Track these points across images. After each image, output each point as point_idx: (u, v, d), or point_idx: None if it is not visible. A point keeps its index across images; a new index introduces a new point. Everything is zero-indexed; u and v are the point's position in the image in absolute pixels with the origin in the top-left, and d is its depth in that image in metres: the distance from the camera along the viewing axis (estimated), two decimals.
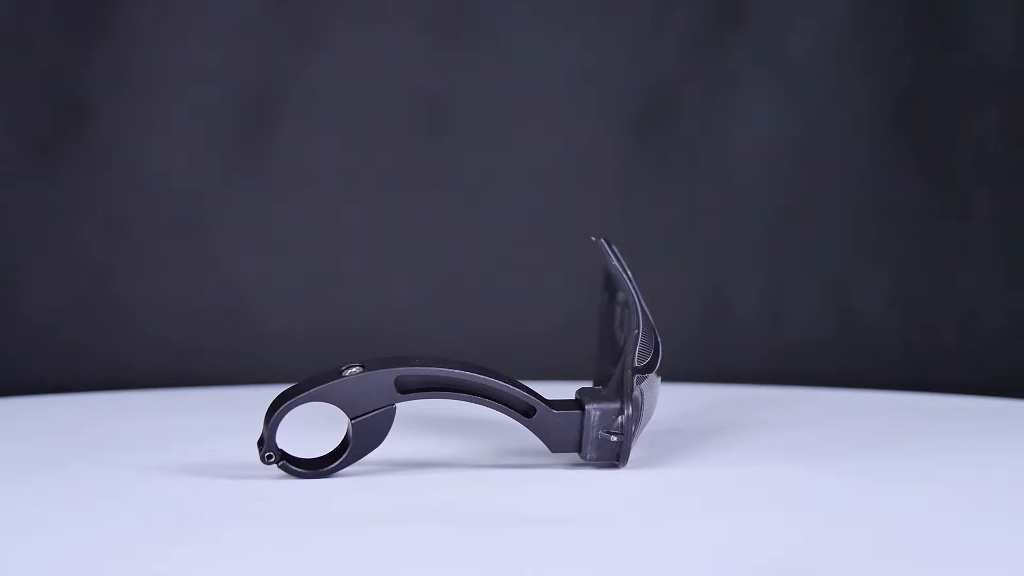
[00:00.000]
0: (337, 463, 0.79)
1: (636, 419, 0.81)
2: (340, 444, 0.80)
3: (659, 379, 0.84)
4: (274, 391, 0.80)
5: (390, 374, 0.78)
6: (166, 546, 0.64)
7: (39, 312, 1.35)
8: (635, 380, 0.80)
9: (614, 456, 0.81)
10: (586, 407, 0.80)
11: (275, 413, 0.77)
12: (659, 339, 0.83)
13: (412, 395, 0.79)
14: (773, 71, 1.44)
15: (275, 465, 0.77)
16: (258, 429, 0.78)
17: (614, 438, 0.80)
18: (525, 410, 0.81)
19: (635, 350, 0.81)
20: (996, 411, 1.12)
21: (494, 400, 0.80)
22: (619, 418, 0.80)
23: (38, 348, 1.35)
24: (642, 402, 0.81)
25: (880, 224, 1.46)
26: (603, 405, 0.81)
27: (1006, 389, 1.26)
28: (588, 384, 0.89)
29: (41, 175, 1.35)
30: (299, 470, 0.78)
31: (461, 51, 1.41)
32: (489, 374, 0.80)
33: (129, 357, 1.36)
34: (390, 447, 0.80)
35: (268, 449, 0.77)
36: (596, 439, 0.80)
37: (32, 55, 1.35)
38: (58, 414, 1.09)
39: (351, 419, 0.78)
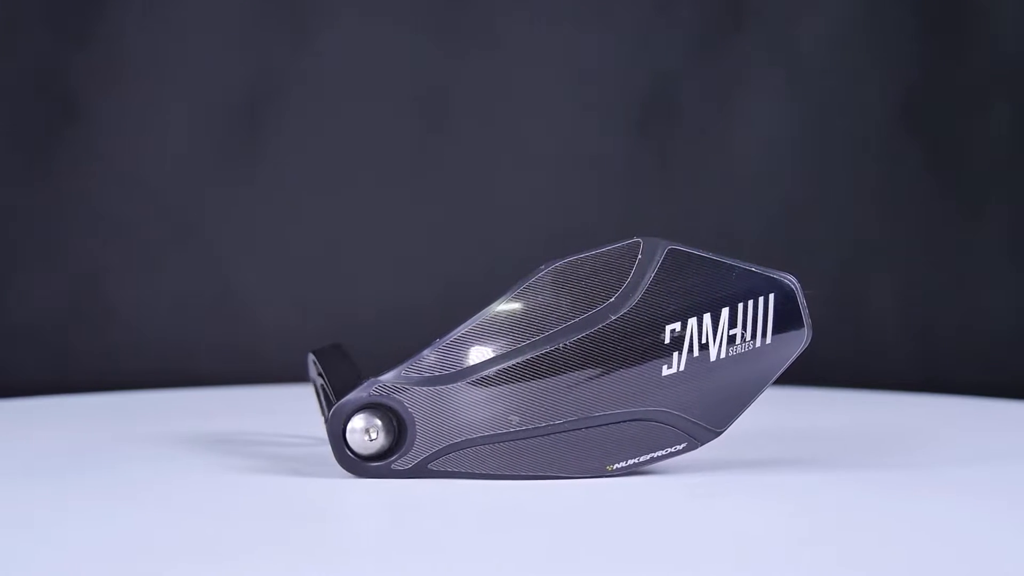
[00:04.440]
0: None
1: (416, 431, 0.72)
2: None
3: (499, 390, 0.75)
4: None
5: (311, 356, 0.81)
6: (164, 544, 0.63)
7: (33, 313, 1.35)
8: (364, 386, 0.72)
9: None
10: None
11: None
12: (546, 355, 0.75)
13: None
14: (776, 70, 1.44)
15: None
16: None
17: None
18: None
19: (428, 352, 0.74)
20: (1001, 412, 1.12)
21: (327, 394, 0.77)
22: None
23: (32, 349, 1.35)
24: (413, 413, 0.72)
25: (885, 224, 1.45)
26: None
27: (1013, 390, 1.25)
28: None
29: (35, 175, 1.35)
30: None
31: (461, 50, 1.41)
32: (333, 365, 0.77)
33: (124, 357, 1.36)
34: None
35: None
36: None
37: (25, 55, 1.34)
38: (53, 415, 1.09)
39: None
